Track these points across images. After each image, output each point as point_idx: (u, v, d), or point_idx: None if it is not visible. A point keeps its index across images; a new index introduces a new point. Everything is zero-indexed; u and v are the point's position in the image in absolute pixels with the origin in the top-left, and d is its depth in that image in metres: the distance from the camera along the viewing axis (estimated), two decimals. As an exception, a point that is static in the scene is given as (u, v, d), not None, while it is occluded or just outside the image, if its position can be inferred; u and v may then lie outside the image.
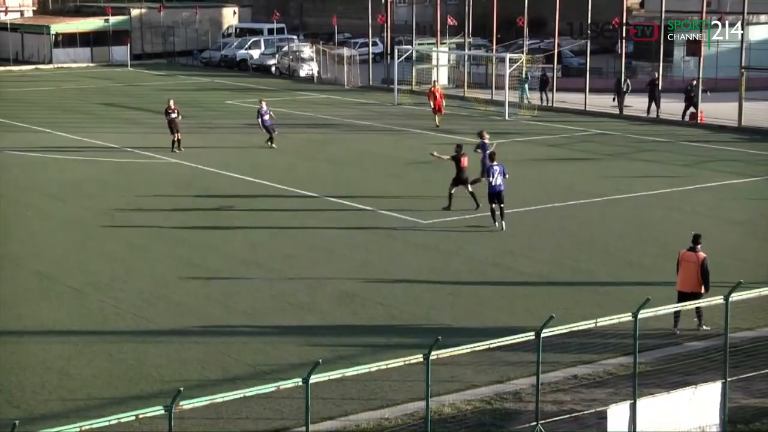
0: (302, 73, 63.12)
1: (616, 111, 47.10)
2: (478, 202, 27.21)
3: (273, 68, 66.08)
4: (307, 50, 64.85)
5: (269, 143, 37.74)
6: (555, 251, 24.26)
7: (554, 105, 49.39)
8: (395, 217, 27.27)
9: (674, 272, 18.74)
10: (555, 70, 50.39)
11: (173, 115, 36.93)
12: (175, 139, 36.88)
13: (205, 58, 72.02)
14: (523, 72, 49.78)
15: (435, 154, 28.32)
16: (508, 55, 48.10)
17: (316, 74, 61.92)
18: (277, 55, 66.59)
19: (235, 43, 70.92)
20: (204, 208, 28.42)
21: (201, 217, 27.43)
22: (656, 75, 46.56)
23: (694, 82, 44.79)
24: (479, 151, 29.15)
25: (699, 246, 18.50)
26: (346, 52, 60.75)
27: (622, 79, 47.22)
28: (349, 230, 26.16)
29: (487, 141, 29.22)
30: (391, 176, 32.08)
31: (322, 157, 36.63)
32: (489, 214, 26.14)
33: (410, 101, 50.87)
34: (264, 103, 38.54)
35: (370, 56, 60.23)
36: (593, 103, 48.06)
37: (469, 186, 27.63)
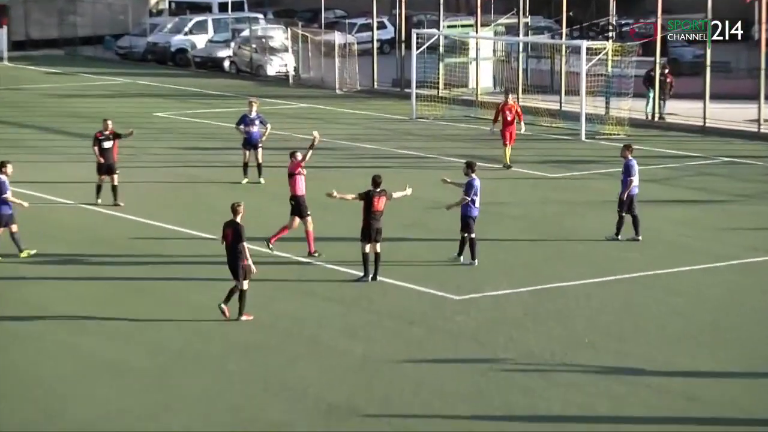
0: (271, 71, 63.74)
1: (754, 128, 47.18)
2: (374, 273, 27.87)
3: (227, 63, 66.74)
4: (279, 36, 65.44)
5: (258, 176, 38.35)
6: (655, 340, 24.18)
7: (655, 119, 49.64)
8: (413, 289, 27.42)
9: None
10: (657, 66, 50.57)
11: (107, 144, 34.86)
12: (111, 183, 34.89)
13: (124, 48, 72.80)
14: (654, 72, 50.01)
15: (335, 194, 28.37)
16: (585, 43, 48.41)
17: (292, 72, 62.49)
18: (232, 44, 67.19)
19: (168, 26, 71.68)
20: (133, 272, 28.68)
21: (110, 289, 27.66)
22: None
23: None
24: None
25: None
26: (338, 38, 61.16)
27: None
28: (345, 310, 26.25)
29: (476, 178, 29.20)
30: (406, 227, 32.19)
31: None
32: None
33: (435, 113, 51.16)
34: (255, 106, 39.04)
35: (375, 45, 60.61)
36: (717, 115, 48.19)
37: (378, 246, 27.87)
